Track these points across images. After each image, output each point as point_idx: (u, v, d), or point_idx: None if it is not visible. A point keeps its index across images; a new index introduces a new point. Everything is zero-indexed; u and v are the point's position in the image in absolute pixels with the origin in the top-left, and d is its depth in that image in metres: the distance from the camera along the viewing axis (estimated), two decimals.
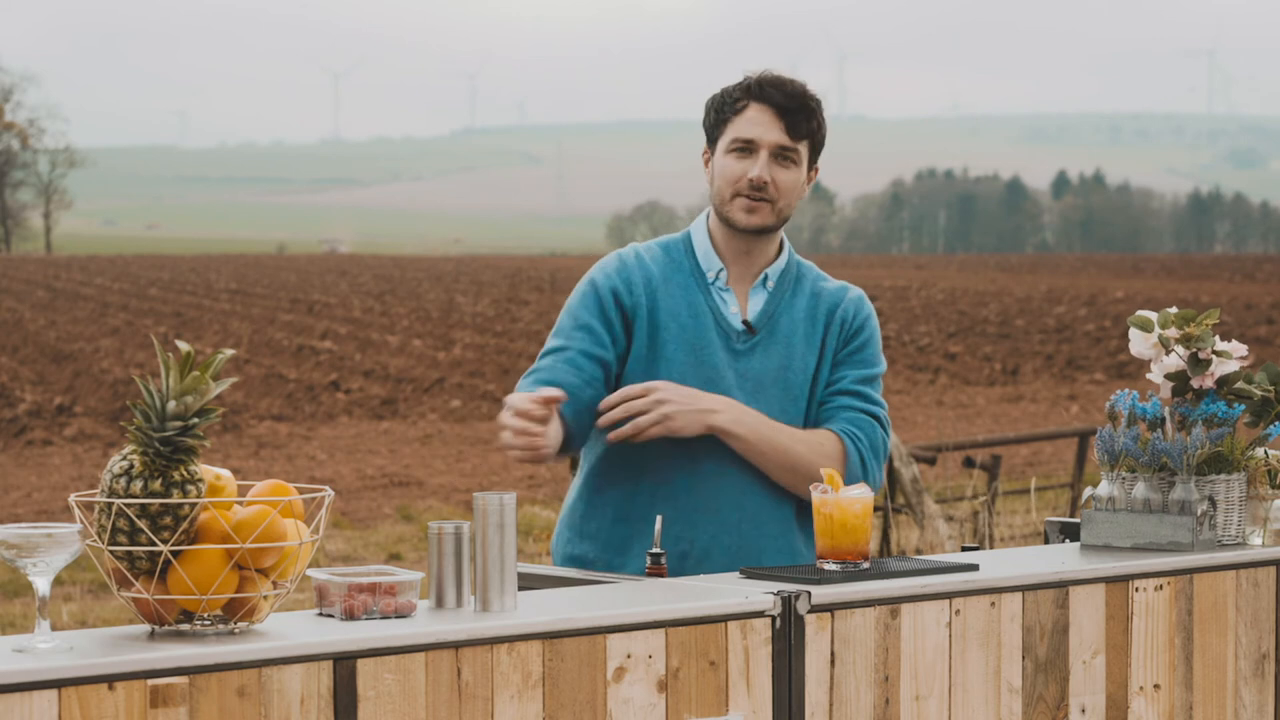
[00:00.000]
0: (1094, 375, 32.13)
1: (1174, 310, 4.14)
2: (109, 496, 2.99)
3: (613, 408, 4.11)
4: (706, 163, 4.29)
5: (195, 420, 3.01)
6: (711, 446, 4.14)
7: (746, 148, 4.19)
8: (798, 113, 4.19)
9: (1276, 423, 4.12)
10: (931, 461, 12.49)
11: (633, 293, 4.19)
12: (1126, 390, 4.11)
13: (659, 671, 3.32)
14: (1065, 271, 76.17)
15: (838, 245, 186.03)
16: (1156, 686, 3.91)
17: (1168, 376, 4.11)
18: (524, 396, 3.95)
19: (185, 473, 3.00)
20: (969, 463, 13.01)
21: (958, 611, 3.65)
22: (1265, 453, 4.11)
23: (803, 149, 4.21)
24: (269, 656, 2.96)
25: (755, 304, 4.25)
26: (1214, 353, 4.08)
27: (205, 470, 3.06)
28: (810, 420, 4.22)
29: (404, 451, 21.83)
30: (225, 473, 3.11)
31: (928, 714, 3.62)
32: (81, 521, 3.01)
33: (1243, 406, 4.09)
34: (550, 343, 4.23)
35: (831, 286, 4.33)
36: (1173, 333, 4.11)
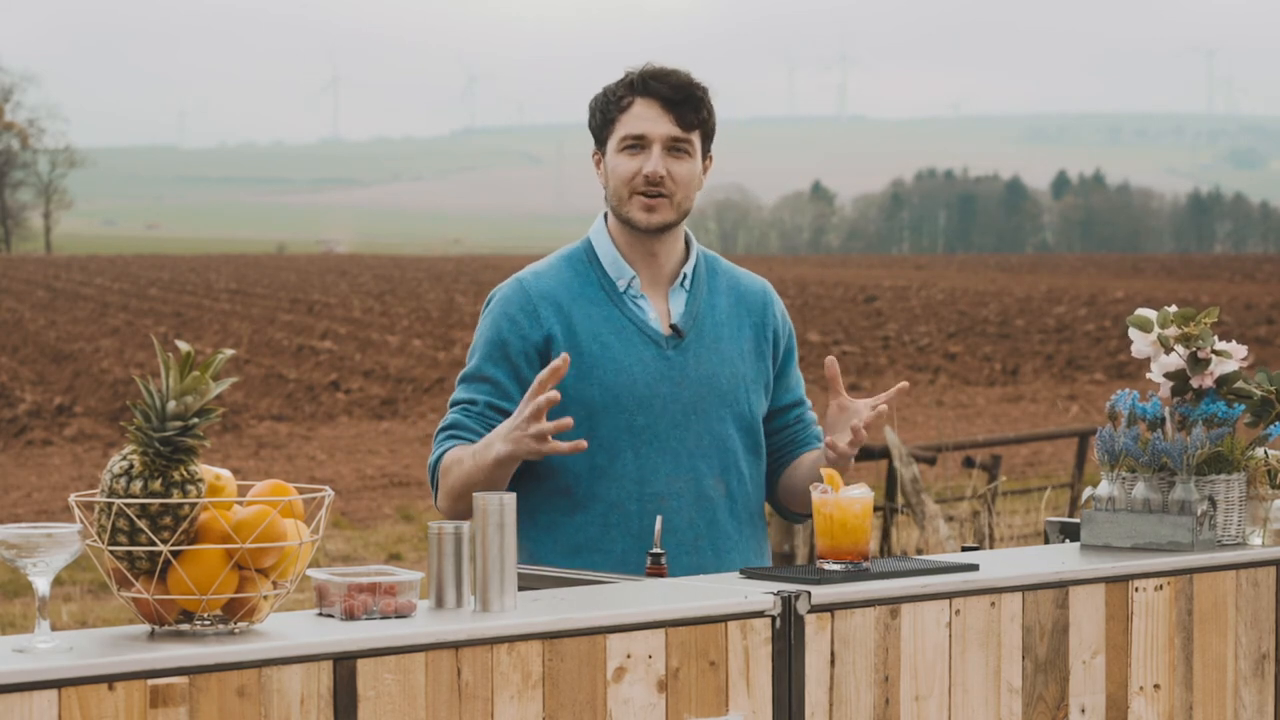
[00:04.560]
0: (1094, 375, 32.13)
1: (1173, 309, 4.13)
2: (109, 496, 2.99)
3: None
4: (598, 164, 4.18)
5: (195, 420, 3.01)
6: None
7: (637, 144, 4.09)
8: (685, 103, 4.09)
9: (1276, 423, 4.11)
10: (931, 461, 12.47)
11: (542, 326, 4.07)
12: (1126, 390, 4.10)
13: (659, 671, 3.31)
14: (1065, 271, 76.20)
15: (838, 245, 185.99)
16: (1156, 686, 3.91)
17: (1167, 375, 4.11)
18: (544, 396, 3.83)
19: (185, 473, 3.00)
20: (969, 463, 13.00)
21: (958, 611, 3.65)
22: (1265, 453, 4.10)
23: (695, 139, 4.12)
24: (269, 656, 2.96)
25: (677, 306, 4.15)
26: (1213, 352, 4.07)
27: (205, 470, 3.05)
28: (758, 427, 4.16)
29: (404, 451, 21.83)
30: (225, 473, 3.11)
31: (928, 714, 3.62)
32: (81, 521, 3.01)
33: (1243, 406, 4.09)
34: (459, 390, 4.11)
35: (746, 281, 4.27)
36: (1172, 331, 4.10)
